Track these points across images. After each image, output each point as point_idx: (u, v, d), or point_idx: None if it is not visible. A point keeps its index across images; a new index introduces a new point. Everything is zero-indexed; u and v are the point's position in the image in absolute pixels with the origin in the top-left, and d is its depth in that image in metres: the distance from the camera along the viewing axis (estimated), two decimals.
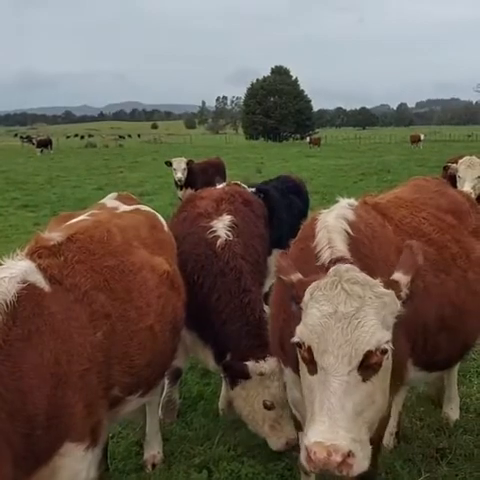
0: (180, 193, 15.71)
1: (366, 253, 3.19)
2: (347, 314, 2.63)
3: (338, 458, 2.42)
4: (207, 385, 5.89)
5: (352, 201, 3.70)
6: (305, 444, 2.50)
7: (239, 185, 6.20)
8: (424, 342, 3.63)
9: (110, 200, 4.49)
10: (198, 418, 5.24)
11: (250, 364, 4.29)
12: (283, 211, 7.05)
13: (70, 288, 3.07)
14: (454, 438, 4.82)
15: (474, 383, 5.78)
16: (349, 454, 2.45)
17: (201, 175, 15.93)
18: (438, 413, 5.22)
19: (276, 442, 4.34)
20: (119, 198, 4.54)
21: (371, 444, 3.46)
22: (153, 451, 4.62)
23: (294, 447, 4.11)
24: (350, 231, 3.24)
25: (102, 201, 4.54)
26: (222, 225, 4.93)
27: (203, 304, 4.55)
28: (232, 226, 4.96)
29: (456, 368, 5.17)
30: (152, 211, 4.43)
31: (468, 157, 9.25)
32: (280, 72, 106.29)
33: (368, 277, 2.79)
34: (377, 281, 2.78)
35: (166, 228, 4.40)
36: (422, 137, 49.21)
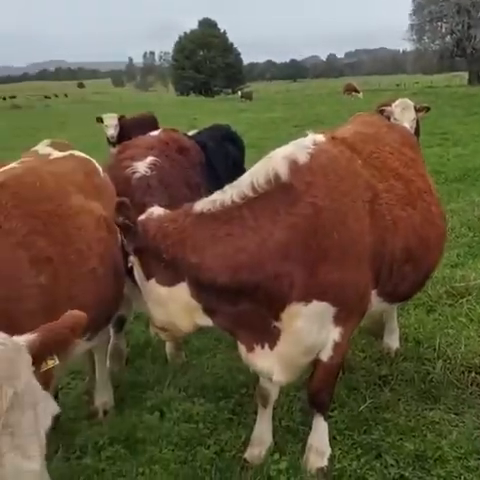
0: (113, 150, 15.34)
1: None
2: None
3: None
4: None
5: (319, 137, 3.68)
6: None
7: (175, 131, 6.08)
8: (389, 273, 3.73)
9: (43, 147, 4.34)
10: (147, 364, 5.26)
11: None
12: (221, 162, 6.89)
13: (9, 232, 2.98)
14: (395, 366, 5.02)
15: (412, 314, 6.01)
16: None
17: (133, 130, 15.50)
18: (379, 344, 5.42)
19: None
20: (52, 145, 4.38)
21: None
22: (103, 398, 4.61)
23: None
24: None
25: (34, 148, 4.37)
26: (143, 164, 4.86)
27: None
28: (154, 164, 4.87)
29: None
30: (86, 156, 4.28)
31: (401, 99, 9.25)
32: (208, 25, 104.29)
33: None
34: None
35: (102, 173, 4.30)
36: (360, 95, 47.26)
